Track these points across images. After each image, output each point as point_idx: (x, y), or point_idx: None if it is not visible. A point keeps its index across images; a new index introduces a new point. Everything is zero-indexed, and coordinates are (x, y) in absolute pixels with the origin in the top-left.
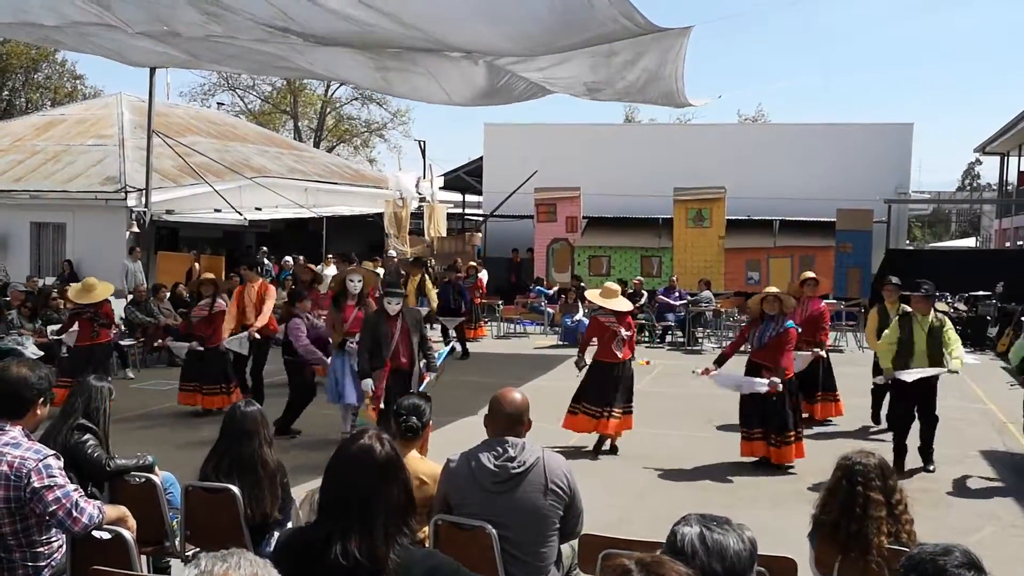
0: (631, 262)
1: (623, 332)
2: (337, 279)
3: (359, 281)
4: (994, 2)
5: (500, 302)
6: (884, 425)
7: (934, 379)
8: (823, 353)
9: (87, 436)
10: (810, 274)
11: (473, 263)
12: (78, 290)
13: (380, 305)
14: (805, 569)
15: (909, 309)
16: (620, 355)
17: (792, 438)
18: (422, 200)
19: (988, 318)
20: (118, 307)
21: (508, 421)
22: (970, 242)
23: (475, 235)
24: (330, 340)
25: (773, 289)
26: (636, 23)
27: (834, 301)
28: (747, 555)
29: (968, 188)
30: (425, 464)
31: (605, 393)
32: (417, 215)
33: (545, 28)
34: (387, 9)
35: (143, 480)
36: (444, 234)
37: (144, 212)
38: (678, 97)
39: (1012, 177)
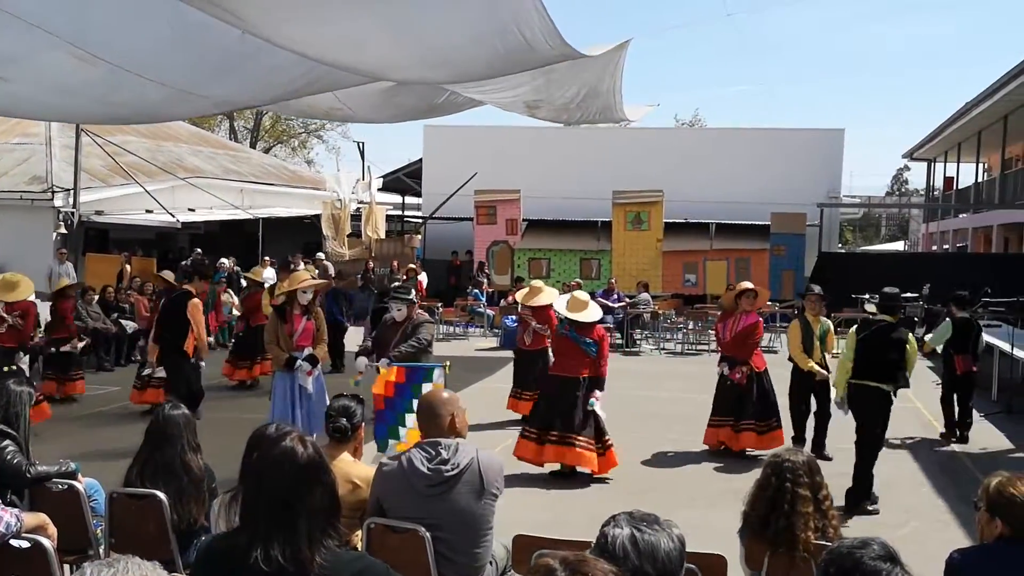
0: (570, 264)
1: (534, 324)
2: (284, 287)
3: (311, 291)
4: (922, 17)
5: (439, 305)
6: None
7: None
8: (746, 369)
9: (6, 442)
10: (748, 285)
11: (412, 265)
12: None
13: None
14: (735, 566)
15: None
16: (528, 342)
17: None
18: (360, 203)
19: (915, 319)
20: (43, 310)
21: (438, 422)
22: (899, 245)
23: (414, 237)
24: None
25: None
26: (574, 57)
27: (768, 303)
28: (677, 554)
29: (897, 193)
30: (358, 467)
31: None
32: (356, 217)
33: (485, 66)
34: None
35: (65, 487)
36: (383, 236)
37: (72, 213)
38: (615, 112)
39: (939, 182)
